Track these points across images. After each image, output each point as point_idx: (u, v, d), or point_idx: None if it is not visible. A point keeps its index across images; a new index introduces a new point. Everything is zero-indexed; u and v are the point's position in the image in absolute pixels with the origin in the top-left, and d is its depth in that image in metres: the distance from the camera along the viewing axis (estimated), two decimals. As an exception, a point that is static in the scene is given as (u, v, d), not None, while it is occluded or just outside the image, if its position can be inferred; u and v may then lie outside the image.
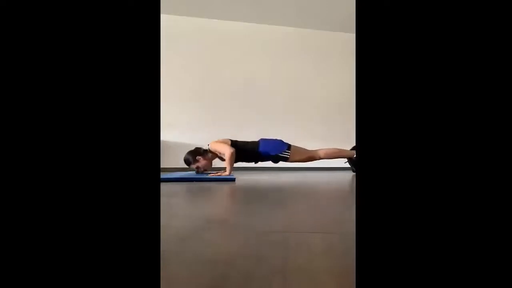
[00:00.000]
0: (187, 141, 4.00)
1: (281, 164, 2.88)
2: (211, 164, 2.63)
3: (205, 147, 2.70)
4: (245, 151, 2.62)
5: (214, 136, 3.68)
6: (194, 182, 1.94)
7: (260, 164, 2.93)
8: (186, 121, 4.11)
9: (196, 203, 1.09)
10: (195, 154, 2.53)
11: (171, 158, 3.59)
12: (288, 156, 2.73)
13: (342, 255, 0.50)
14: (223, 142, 2.59)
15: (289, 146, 2.75)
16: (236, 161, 2.56)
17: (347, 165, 3.16)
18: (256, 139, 2.88)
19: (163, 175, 2.19)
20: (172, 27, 4.10)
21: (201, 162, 2.52)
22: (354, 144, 2.98)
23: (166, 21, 4.07)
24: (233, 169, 2.47)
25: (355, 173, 3.01)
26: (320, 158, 2.87)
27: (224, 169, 2.43)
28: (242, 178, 2.32)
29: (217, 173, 2.38)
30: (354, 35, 4.40)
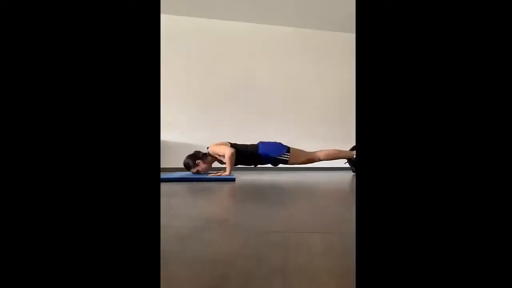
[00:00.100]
0: (187, 141, 4.00)
1: (281, 164, 2.88)
2: (211, 167, 2.63)
3: (204, 149, 2.69)
4: (244, 154, 2.62)
5: (214, 136, 3.70)
6: (194, 182, 1.94)
7: (260, 164, 2.93)
8: (186, 121, 4.11)
9: (196, 203, 1.09)
10: (195, 158, 2.51)
11: (171, 158, 3.59)
12: (287, 159, 2.73)
13: (342, 255, 0.50)
14: (223, 144, 2.59)
15: (288, 149, 2.75)
16: (235, 164, 2.55)
17: (347, 165, 3.16)
18: (255, 140, 2.88)
19: (163, 175, 2.19)
20: (172, 27, 4.11)
21: (201, 166, 2.51)
22: (354, 144, 2.98)
23: (166, 21, 4.07)
24: (233, 169, 2.46)
25: (355, 173, 3.01)
26: (319, 160, 2.86)
27: (224, 169, 2.43)
28: (242, 178, 2.32)
29: (217, 173, 2.38)
30: (354, 35, 4.41)
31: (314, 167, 3.72)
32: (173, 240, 0.58)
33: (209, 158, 2.59)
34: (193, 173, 2.49)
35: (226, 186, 1.72)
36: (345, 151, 2.94)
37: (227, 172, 2.33)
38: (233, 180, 2.05)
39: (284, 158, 2.72)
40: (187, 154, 2.55)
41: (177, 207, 0.97)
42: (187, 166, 2.51)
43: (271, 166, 2.84)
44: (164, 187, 1.56)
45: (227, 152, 2.42)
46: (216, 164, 2.74)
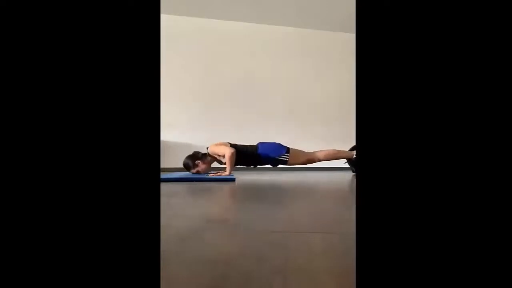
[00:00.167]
0: (187, 141, 4.00)
1: (281, 165, 2.88)
2: (210, 167, 2.63)
3: (204, 149, 2.69)
4: (244, 154, 2.61)
5: (214, 136, 3.70)
6: (194, 182, 1.94)
7: (260, 164, 2.93)
8: (186, 121, 4.11)
9: (196, 203, 1.09)
10: (194, 158, 2.51)
11: (171, 158, 3.59)
12: (287, 159, 2.73)
13: (342, 255, 0.50)
14: (223, 144, 2.59)
15: (288, 149, 2.75)
16: (235, 164, 2.55)
17: (347, 165, 3.16)
18: (255, 140, 2.88)
19: (163, 175, 2.19)
20: (172, 27, 4.11)
21: (201, 166, 2.50)
22: (354, 144, 2.98)
23: (166, 21, 4.07)
24: (233, 169, 2.46)
25: (355, 173, 3.01)
26: (319, 160, 2.86)
27: (224, 169, 2.43)
28: (242, 178, 2.32)
29: (217, 173, 2.38)
30: (354, 35, 4.41)
31: (314, 167, 3.72)
32: (173, 240, 0.58)
33: (209, 158, 2.58)
34: (193, 173, 2.49)
35: (226, 186, 1.72)
36: (345, 151, 2.94)
37: (227, 172, 2.33)
38: (233, 180, 2.05)
39: (283, 158, 2.72)
40: (187, 154, 2.55)
41: (177, 207, 0.97)
42: (186, 167, 2.51)
43: (271, 166, 2.84)
44: (164, 187, 1.56)
45: (227, 152, 2.42)
46: (215, 164, 2.74)
